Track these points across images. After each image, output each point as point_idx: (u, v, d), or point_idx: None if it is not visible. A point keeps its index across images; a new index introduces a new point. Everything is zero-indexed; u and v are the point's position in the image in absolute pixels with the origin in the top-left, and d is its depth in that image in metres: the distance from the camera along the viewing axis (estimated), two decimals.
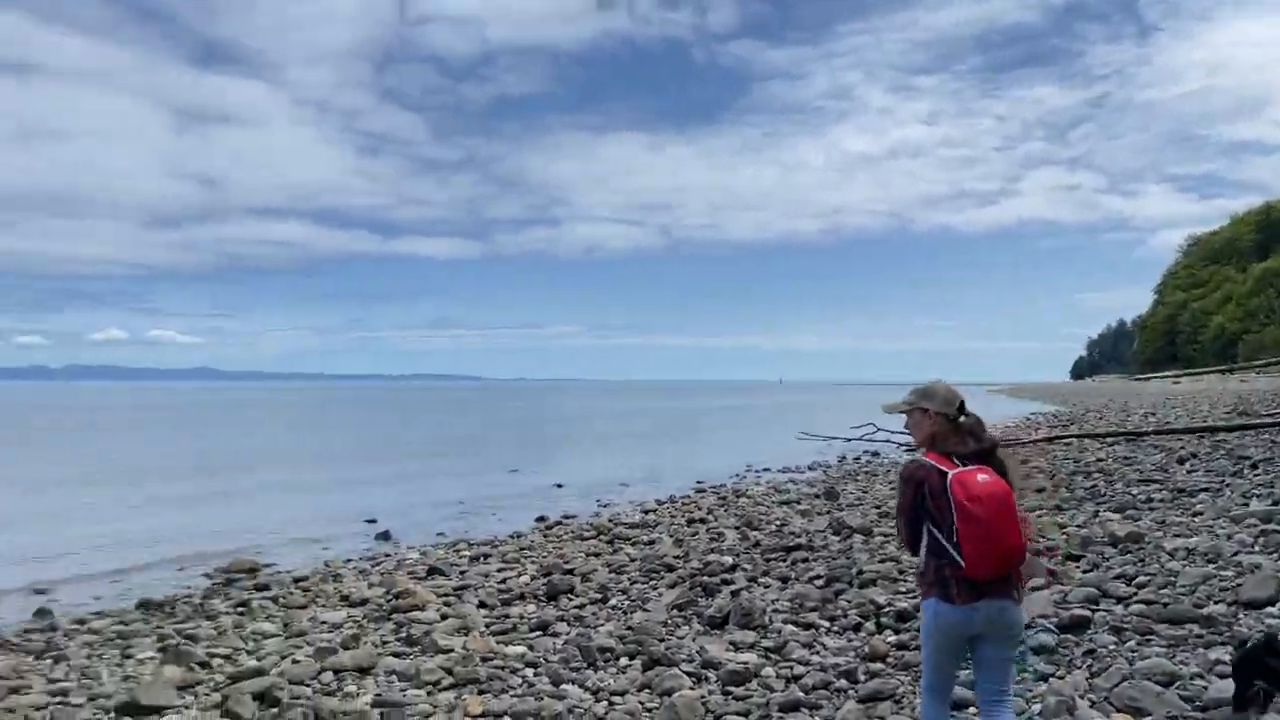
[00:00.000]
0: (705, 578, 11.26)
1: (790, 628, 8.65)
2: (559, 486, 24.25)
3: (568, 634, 9.11)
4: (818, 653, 7.86)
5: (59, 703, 7.36)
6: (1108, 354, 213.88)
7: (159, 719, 6.95)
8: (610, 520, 17.41)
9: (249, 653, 8.94)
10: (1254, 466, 15.78)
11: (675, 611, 9.73)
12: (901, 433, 34.16)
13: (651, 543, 14.45)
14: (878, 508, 16.47)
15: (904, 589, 9.98)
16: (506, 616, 10.05)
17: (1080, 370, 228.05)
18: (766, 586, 10.74)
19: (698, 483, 24.11)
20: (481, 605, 10.61)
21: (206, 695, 7.50)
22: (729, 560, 12.25)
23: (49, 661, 8.76)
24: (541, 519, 18.25)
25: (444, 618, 9.95)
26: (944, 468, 4.15)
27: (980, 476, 4.07)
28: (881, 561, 11.51)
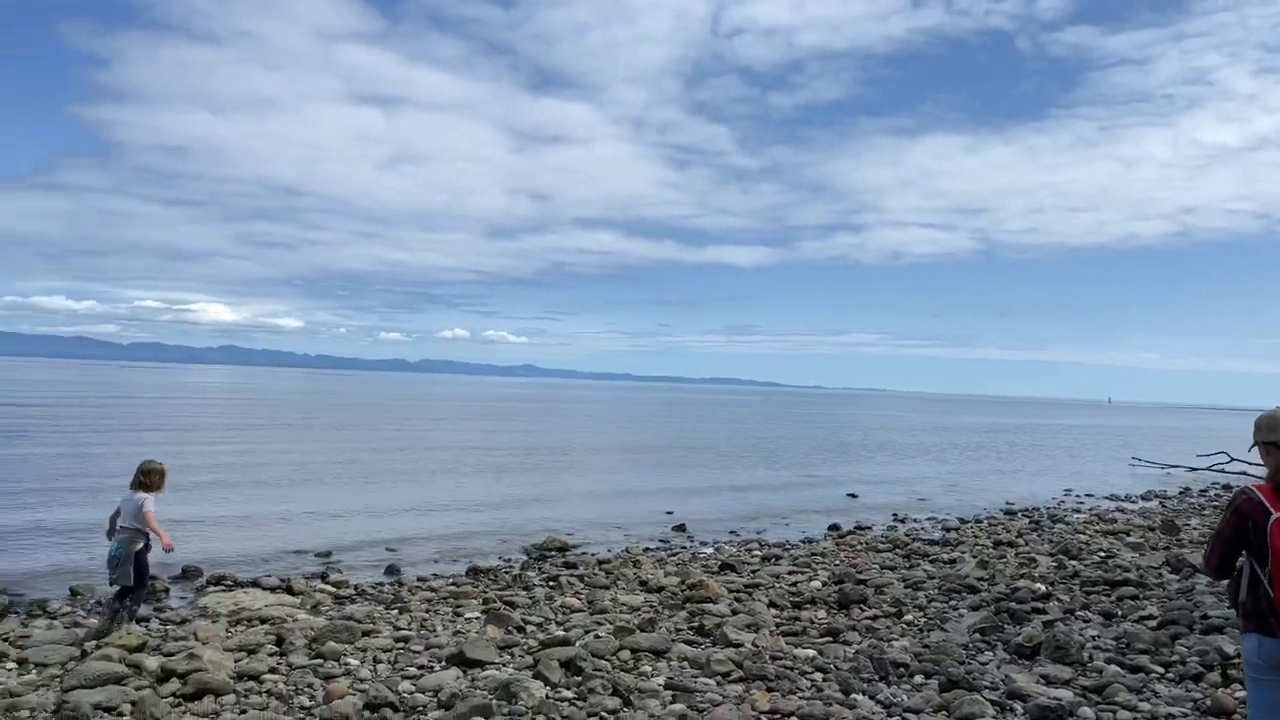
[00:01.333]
0: (1013, 603, 10.47)
1: (1114, 668, 7.78)
2: (853, 496, 23.69)
3: (859, 643, 8.86)
4: (1147, 699, 6.99)
5: (401, 648, 8.42)
6: None
7: (481, 671, 7.71)
8: (908, 535, 16.72)
9: (558, 624, 9.66)
10: None
11: (977, 635, 9.13)
12: (1260, 464, 29.75)
13: (952, 562, 13.67)
14: None
15: None
16: (796, 619, 9.99)
17: None
18: (1086, 621, 9.76)
19: (1007, 504, 22.46)
20: (771, 605, 10.63)
21: (521, 656, 8.20)
22: (1041, 588, 11.29)
23: (395, 611, 10.06)
24: (834, 527, 17.94)
25: (734, 612, 10.10)
26: (1272, 507, 4.01)
27: None
28: (1231, 607, 10.00)
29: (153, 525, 8.57)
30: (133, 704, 6.55)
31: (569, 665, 7.78)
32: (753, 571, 12.84)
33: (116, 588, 8.60)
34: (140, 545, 8.61)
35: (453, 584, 11.73)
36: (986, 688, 7.28)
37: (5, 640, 8.28)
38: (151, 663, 7.52)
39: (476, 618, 9.73)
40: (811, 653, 8.48)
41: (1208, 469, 31.36)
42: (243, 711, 6.62)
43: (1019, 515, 20.32)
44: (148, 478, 8.71)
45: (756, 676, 7.64)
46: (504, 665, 7.95)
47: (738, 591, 11.29)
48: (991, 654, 8.47)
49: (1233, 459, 31.21)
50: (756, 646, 8.63)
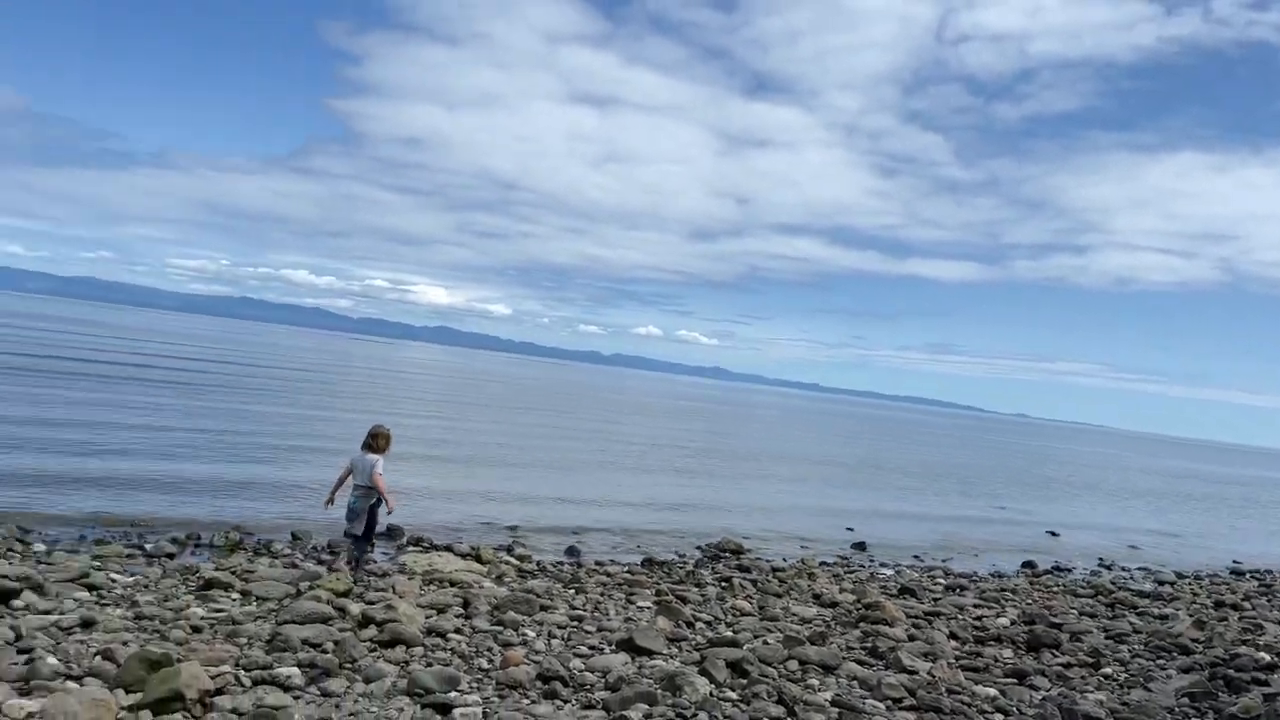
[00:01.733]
0: (1231, 670, 9.44)
1: None
2: (1054, 535, 22.08)
3: (1047, 690, 8.29)
4: None
5: (575, 627, 8.72)
6: None
7: (649, 660, 7.85)
8: (1113, 583, 15.43)
9: (727, 624, 9.66)
10: None
11: (1186, 700, 8.29)
12: None
13: (1164, 618, 12.48)
14: None
15: None
16: (979, 654, 9.47)
17: None
18: None
19: (1235, 563, 20.22)
20: (952, 636, 10.14)
21: (688, 651, 8.28)
22: (1266, 658, 10.10)
23: (572, 591, 10.42)
24: (1029, 565, 16.81)
25: (911, 638, 9.72)
26: None
27: None
28: None
29: (380, 486, 9.55)
30: (335, 643, 7.18)
31: (735, 666, 7.77)
32: (934, 599, 12.30)
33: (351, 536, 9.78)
34: (374, 500, 9.62)
35: (628, 572, 11.99)
36: None
37: (233, 573, 9.29)
38: (354, 608, 8.21)
39: (648, 607, 9.90)
40: (993, 692, 8.02)
41: None
42: (429, 664, 7.09)
43: (1247, 576, 18.25)
44: (376, 440, 9.70)
45: (930, 707, 7.32)
46: (671, 657, 8.05)
47: (916, 618, 10.85)
48: None
49: None
50: (932, 676, 8.27)
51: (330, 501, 9.91)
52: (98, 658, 6.31)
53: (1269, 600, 14.96)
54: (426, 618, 8.34)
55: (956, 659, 9.15)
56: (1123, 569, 17.95)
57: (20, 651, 6.24)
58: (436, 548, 12.22)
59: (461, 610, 8.83)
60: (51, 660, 6.08)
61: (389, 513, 9.79)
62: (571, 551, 13.39)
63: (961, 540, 19.49)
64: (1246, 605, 14.18)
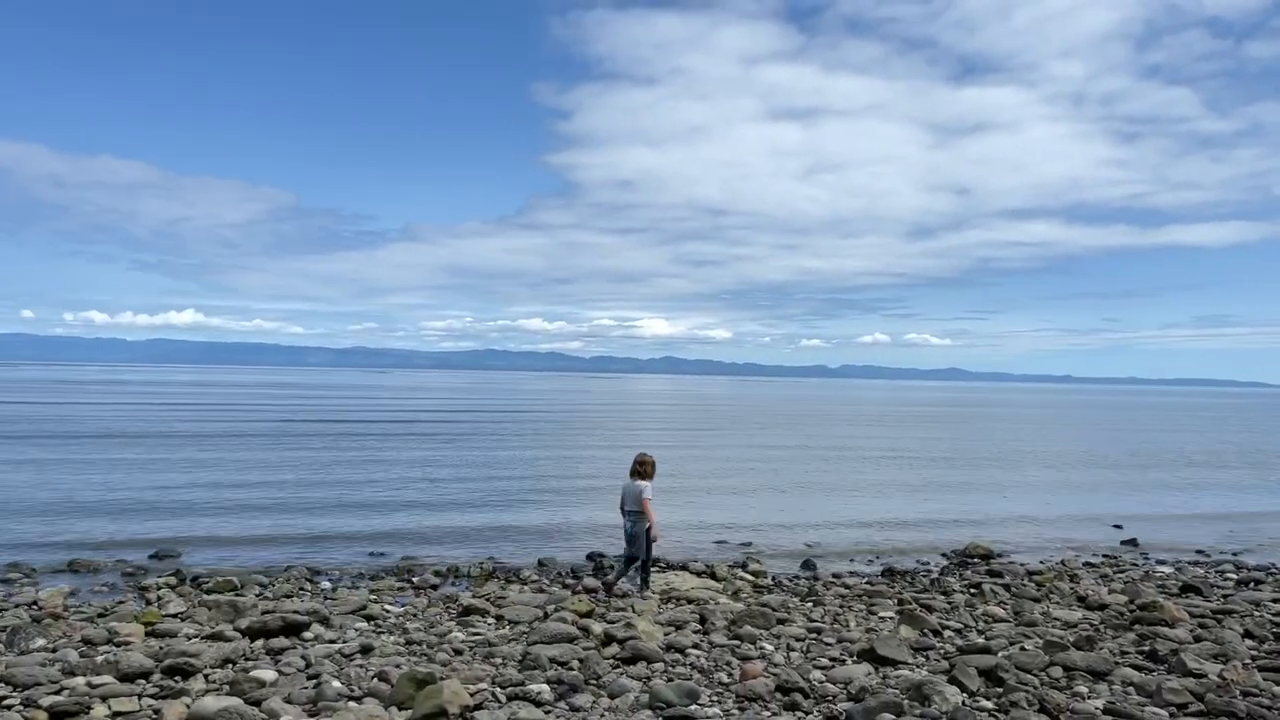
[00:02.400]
0: None
1: None
2: None
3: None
4: None
5: (814, 639, 8.56)
6: None
7: (893, 670, 7.56)
8: None
9: (978, 631, 9.11)
10: None
11: None
12: None
13: None
14: None
15: None
16: (1279, 653, 8.31)
17: None
18: None
19: None
20: (1247, 635, 8.98)
21: (936, 660, 7.89)
22: None
23: (809, 604, 10.24)
24: None
25: (1197, 639, 8.71)
26: None
27: None
28: None
29: (648, 511, 10.13)
30: (580, 660, 7.51)
31: (989, 675, 7.31)
32: (1224, 597, 10.94)
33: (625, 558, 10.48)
34: (647, 524, 10.21)
35: (867, 583, 11.63)
36: None
37: (488, 599, 9.95)
38: (597, 628, 8.54)
39: (890, 617, 9.55)
40: None
41: None
42: (669, 679, 7.23)
43: None
44: (643, 467, 10.36)
45: (1222, 712, 6.51)
46: (918, 667, 7.71)
47: (1202, 617, 9.70)
48: None
49: None
50: (1223, 679, 7.35)
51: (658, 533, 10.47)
52: (374, 680, 6.98)
53: None
54: (665, 634, 8.53)
55: (1253, 659, 8.09)
56: None
57: (309, 678, 7.02)
58: (672, 567, 12.45)
59: (698, 626, 8.94)
60: (335, 684, 6.79)
61: (654, 539, 10.28)
62: (807, 565, 13.17)
63: (1258, 532, 17.20)
64: None
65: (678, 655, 7.94)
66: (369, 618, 9.24)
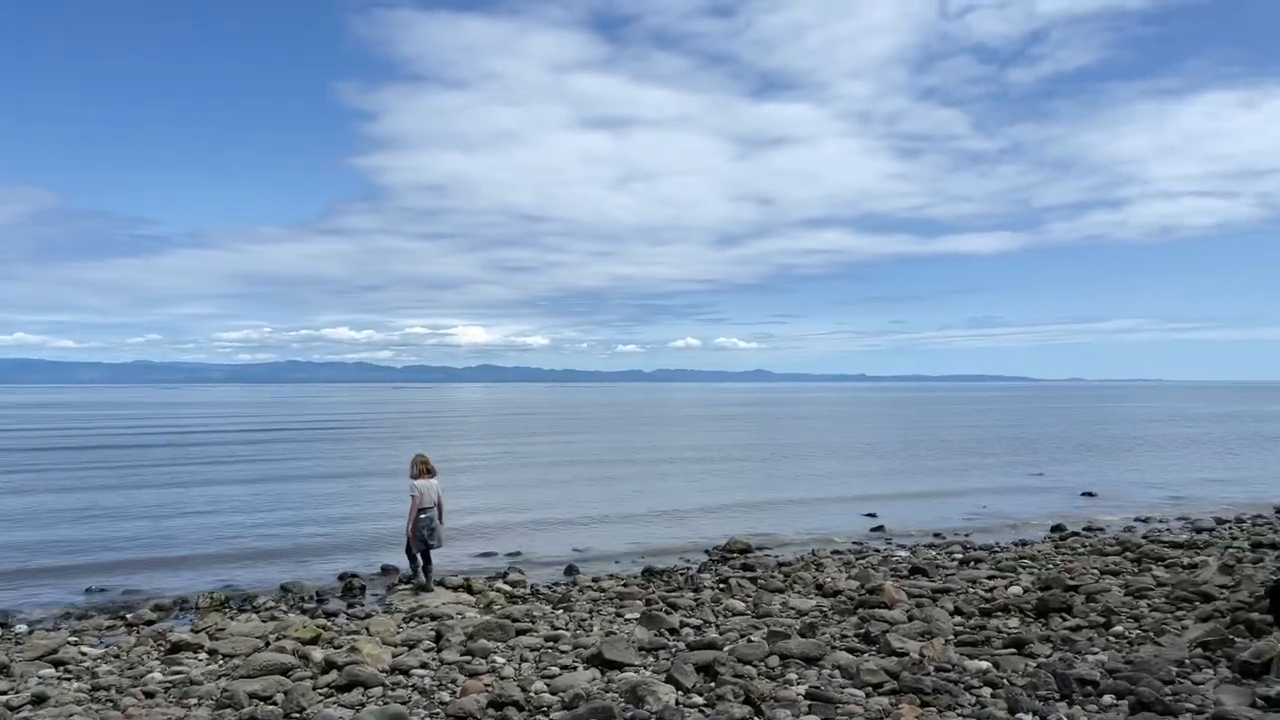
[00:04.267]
0: (1254, 614, 8.82)
1: None
2: (1089, 495, 21.29)
3: (1047, 656, 7.81)
4: None
5: (550, 647, 8.43)
6: None
7: (619, 673, 7.53)
8: (1145, 536, 14.74)
9: (716, 627, 9.30)
10: None
11: (1199, 650, 7.77)
12: None
13: (1193, 567, 11.85)
14: None
15: None
16: (982, 628, 9.00)
17: None
18: None
19: None
20: (957, 612, 9.67)
21: (665, 659, 7.94)
22: None
23: (560, 611, 10.12)
24: (1058, 528, 16.16)
25: (911, 619, 9.28)
26: None
27: None
28: None
29: (442, 503, 11.84)
30: (285, 693, 6.97)
31: (706, 669, 7.42)
32: (946, 576, 11.80)
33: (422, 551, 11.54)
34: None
35: (623, 585, 11.67)
36: (1190, 710, 6.14)
37: (205, 632, 9.15)
38: (318, 654, 8.01)
39: (636, 618, 9.58)
40: (986, 665, 7.57)
41: None
42: (386, 704, 6.85)
43: None
44: (429, 465, 11.66)
45: (911, 689, 6.90)
46: (644, 668, 7.73)
47: (922, 597, 10.37)
48: (1211, 672, 7.17)
49: None
50: (922, 656, 7.84)
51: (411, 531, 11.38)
52: None
53: None
54: (394, 656, 8.12)
55: (956, 635, 8.71)
56: (1160, 522, 17.21)
57: None
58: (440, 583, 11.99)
59: (433, 644, 8.59)
60: None
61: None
62: (570, 570, 13.10)
63: (991, 513, 18.85)
64: None
65: (401, 677, 7.57)
66: (58, 663, 8.24)
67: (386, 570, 12.82)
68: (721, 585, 11.45)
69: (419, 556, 11.54)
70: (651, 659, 8.01)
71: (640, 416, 75.80)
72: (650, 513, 18.84)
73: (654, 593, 11.00)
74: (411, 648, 8.44)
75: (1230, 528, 15.63)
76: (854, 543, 15.28)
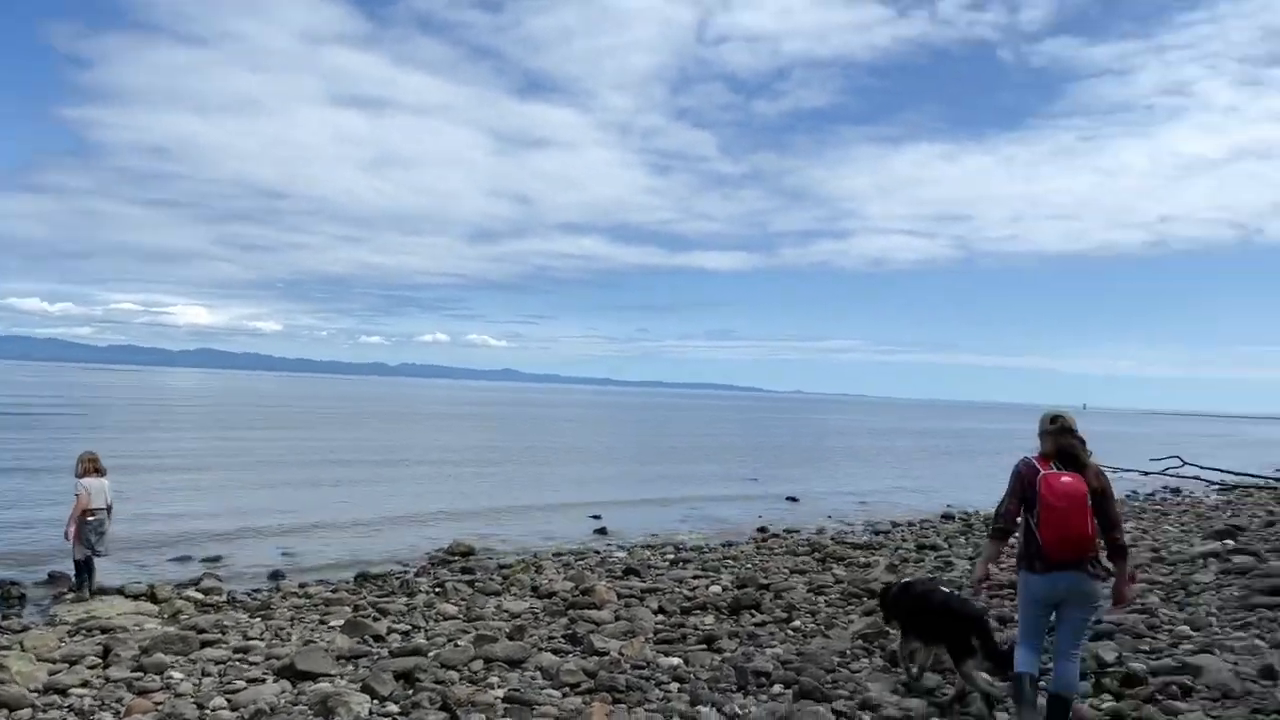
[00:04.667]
0: None
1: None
2: (793, 500, 23.28)
3: (732, 651, 8.43)
4: (1006, 708, 6.57)
5: (238, 659, 7.89)
6: None
7: (312, 684, 7.20)
8: (833, 538, 16.33)
9: (425, 632, 9.16)
10: None
11: (860, 641, 8.71)
12: (1214, 469, 29.02)
13: (867, 565, 13.28)
14: (1155, 551, 14.03)
15: (1150, 646, 8.25)
16: (681, 625, 9.54)
17: None
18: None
19: (947, 507, 22.11)
20: (660, 611, 10.19)
21: (365, 668, 7.69)
22: (947, 591, 10.88)
23: (257, 620, 9.52)
24: (762, 530, 17.52)
25: (617, 619, 9.65)
26: (1041, 468, 5.38)
27: (1064, 479, 5.26)
28: (1131, 611, 9.65)
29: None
30: None
31: (407, 677, 7.29)
32: (656, 576, 12.40)
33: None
34: None
35: (331, 590, 11.19)
36: (842, 697, 6.87)
37: None
38: None
39: (340, 625, 9.21)
40: (676, 661, 8.03)
41: (1160, 472, 31.19)
42: None
43: (956, 519, 19.98)
44: (98, 463, 10.68)
45: (606, 687, 7.18)
46: (339, 678, 7.44)
47: (631, 597, 10.83)
48: (868, 661, 8.06)
49: (1185, 463, 31.11)
50: (621, 655, 8.18)
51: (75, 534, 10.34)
52: None
53: (965, 539, 16.36)
54: (51, 674, 7.25)
55: (656, 633, 9.16)
56: (848, 524, 19.13)
57: None
58: (106, 591, 10.83)
59: (99, 659, 7.76)
60: None
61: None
62: (275, 575, 12.36)
63: (707, 516, 20.06)
64: (945, 545, 15.42)
65: (56, 697, 6.76)
66: None
67: (54, 578, 11.43)
68: (437, 589, 11.29)
69: (83, 562, 10.54)
70: (351, 668, 7.74)
71: (380, 412, 73.08)
72: (378, 518, 17.97)
73: (364, 598, 10.65)
74: (73, 664, 7.58)
75: (903, 530, 17.68)
76: (577, 545, 15.66)
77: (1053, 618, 5.59)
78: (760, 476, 29.70)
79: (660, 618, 9.92)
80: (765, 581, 11.66)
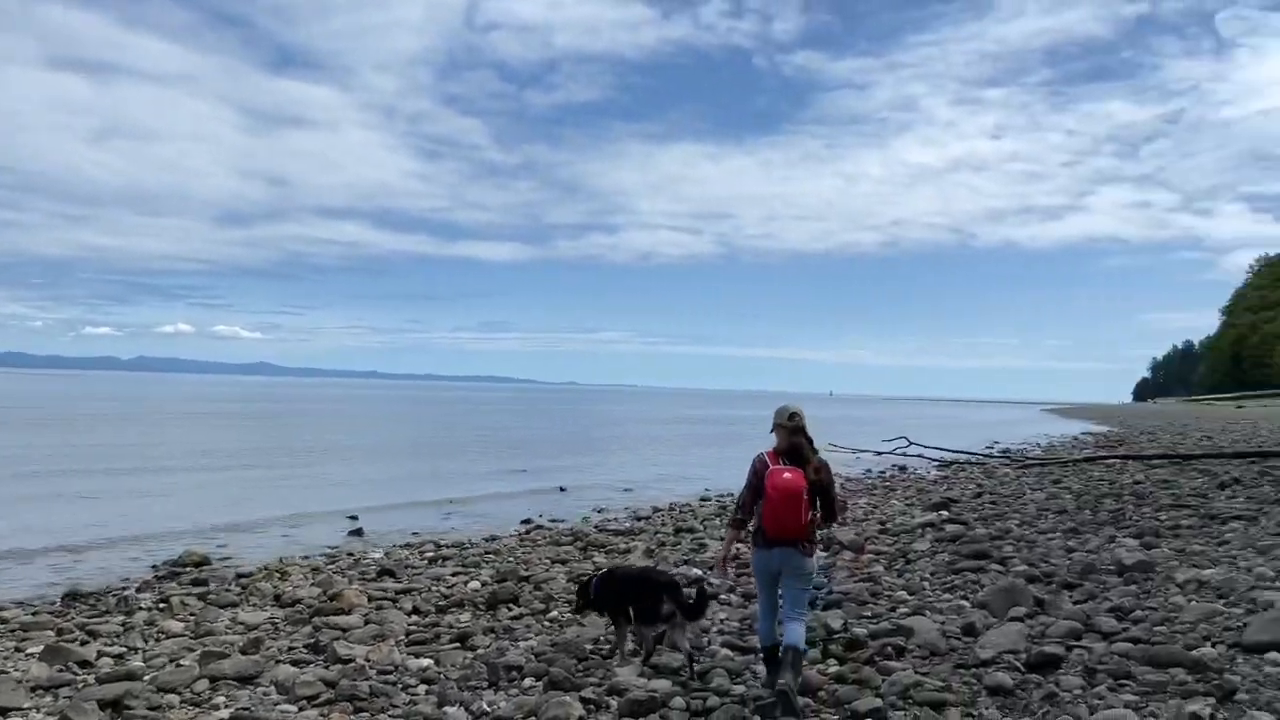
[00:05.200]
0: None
1: (726, 651, 7.72)
2: (562, 490, 23.44)
3: (486, 647, 8.28)
4: (744, 681, 6.90)
5: None
6: (1173, 376, 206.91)
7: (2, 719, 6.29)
8: (596, 526, 16.56)
9: (143, 653, 8.27)
10: None
11: (613, 628, 8.84)
12: (935, 448, 32.21)
13: (627, 551, 13.56)
14: (882, 524, 15.38)
15: (871, 612, 8.98)
16: (436, 625, 9.26)
17: (1142, 392, 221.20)
18: (727, 603, 9.81)
19: (705, 490, 23.11)
20: (414, 611, 9.84)
21: (66, 698, 6.81)
22: (697, 573, 11.33)
23: None
24: (526, 522, 17.46)
25: (367, 623, 9.21)
26: (770, 463, 6.27)
27: (785, 475, 6.12)
28: (860, 581, 10.50)
29: None
30: None
31: (115, 705, 6.53)
32: (414, 575, 11.99)
33: None
34: None
35: (31, 614, 9.85)
36: (591, 685, 6.92)
37: None
38: None
39: (38, 653, 8.11)
40: (427, 663, 7.77)
41: (891, 452, 34.40)
42: None
43: (713, 501, 20.91)
44: None
45: (348, 696, 6.80)
46: (35, 711, 6.55)
47: (384, 599, 10.37)
48: (636, 647, 8.18)
49: (911, 443, 34.54)
50: (367, 660, 7.80)
51: None
52: None
53: (719, 520, 17.14)
54: None
55: (408, 634, 8.83)
56: (611, 512, 19.50)
57: None
58: None
59: None
60: None
61: None
62: None
63: (471, 508, 19.71)
64: (701, 527, 16.06)
65: None
66: None
67: None
68: (161, 604, 10.24)
69: None
70: (50, 699, 6.83)
71: (104, 413, 65.79)
72: (95, 538, 15.37)
73: (71, 620, 9.46)
74: None
75: (663, 516, 18.24)
76: (330, 547, 14.83)
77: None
78: (530, 468, 29.64)
79: (414, 618, 9.59)
80: (526, 574, 11.59)
